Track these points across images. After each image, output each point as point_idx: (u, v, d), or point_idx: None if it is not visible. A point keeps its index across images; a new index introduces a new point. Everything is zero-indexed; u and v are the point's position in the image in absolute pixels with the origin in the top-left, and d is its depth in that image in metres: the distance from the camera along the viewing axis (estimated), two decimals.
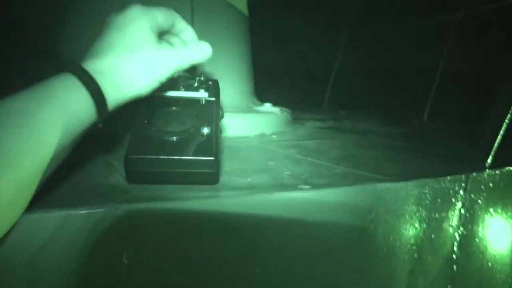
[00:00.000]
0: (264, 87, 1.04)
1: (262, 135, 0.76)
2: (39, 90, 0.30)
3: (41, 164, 0.28)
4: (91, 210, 0.30)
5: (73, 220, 0.29)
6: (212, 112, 0.44)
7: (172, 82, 0.44)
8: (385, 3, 1.51)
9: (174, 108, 0.43)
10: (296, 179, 0.42)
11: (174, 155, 0.37)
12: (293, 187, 0.39)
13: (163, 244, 0.33)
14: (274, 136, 0.77)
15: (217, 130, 0.41)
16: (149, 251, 0.32)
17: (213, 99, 0.46)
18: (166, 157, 0.37)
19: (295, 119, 1.00)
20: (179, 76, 0.45)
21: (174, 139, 0.39)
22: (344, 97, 1.69)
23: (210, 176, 0.39)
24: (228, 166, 0.48)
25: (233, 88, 0.82)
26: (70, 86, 0.32)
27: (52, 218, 0.29)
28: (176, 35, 0.43)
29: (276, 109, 0.86)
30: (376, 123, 1.21)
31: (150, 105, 0.42)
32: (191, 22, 0.75)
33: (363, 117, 1.33)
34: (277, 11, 1.69)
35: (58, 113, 0.30)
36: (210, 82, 0.48)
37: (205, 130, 0.41)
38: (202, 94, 0.46)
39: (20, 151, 0.26)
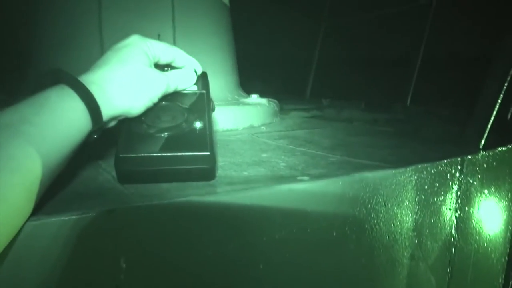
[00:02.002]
0: (246, 78, 1.02)
1: (251, 127, 0.75)
2: (35, 101, 0.31)
3: (43, 170, 0.28)
4: (82, 215, 0.28)
5: (65, 226, 0.28)
6: (203, 105, 0.43)
7: None
8: None
9: (163, 102, 0.41)
10: (292, 170, 0.41)
11: (168, 152, 0.36)
12: (292, 179, 0.38)
13: (161, 245, 0.31)
14: (263, 128, 0.76)
15: (210, 124, 0.40)
16: (147, 253, 0.30)
17: (204, 91, 0.45)
18: (159, 154, 0.35)
19: (280, 110, 0.99)
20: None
21: (166, 135, 0.38)
22: (326, 86, 1.69)
23: (206, 172, 0.37)
24: (221, 160, 0.46)
25: (218, 80, 0.80)
26: (65, 96, 0.33)
27: (47, 225, 0.27)
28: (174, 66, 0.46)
29: (263, 100, 0.84)
30: (359, 110, 1.22)
31: None
32: (172, 14, 0.73)
33: (345, 105, 1.34)
34: (257, 2, 1.67)
35: (54, 122, 0.30)
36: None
37: (198, 125, 0.39)
38: (191, 87, 0.45)
39: (24, 156, 0.27)
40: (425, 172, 0.45)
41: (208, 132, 0.38)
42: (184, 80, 0.44)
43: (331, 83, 1.67)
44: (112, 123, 0.39)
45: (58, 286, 0.28)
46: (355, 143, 0.60)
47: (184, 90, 0.44)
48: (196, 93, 0.44)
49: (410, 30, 1.38)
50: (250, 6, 1.58)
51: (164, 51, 0.42)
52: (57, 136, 0.30)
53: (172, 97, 0.42)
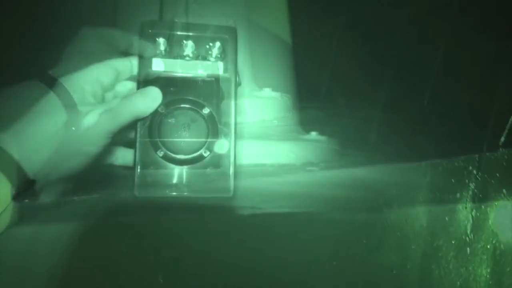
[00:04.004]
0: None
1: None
2: None
3: None
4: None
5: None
6: (229, 106, 0.37)
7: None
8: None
9: (182, 105, 0.37)
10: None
11: (188, 193, 0.35)
12: (301, 168, 0.37)
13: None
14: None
15: (234, 145, 0.37)
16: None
17: (228, 76, 0.38)
18: (179, 195, 0.35)
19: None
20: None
21: (186, 169, 0.36)
22: (342, 84, 1.67)
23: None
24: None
25: (277, 117, 0.81)
26: None
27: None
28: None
29: (322, 137, 0.84)
30: (377, 109, 1.19)
31: None
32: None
33: (362, 104, 1.31)
34: None
35: None
36: (224, 36, 0.38)
37: (221, 149, 0.37)
38: (214, 66, 0.38)
39: None
40: (440, 168, 0.43)
41: (231, 165, 0.36)
42: (141, 103, 0.35)
43: (348, 81, 1.64)
44: (49, 192, 0.32)
45: None
46: (369, 140, 0.59)
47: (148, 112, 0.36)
48: (220, 80, 0.38)
49: (429, 29, 1.35)
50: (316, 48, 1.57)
51: (99, 71, 0.35)
52: None
53: (191, 90, 0.37)
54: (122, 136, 0.39)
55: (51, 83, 0.32)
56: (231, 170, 0.37)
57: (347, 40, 1.72)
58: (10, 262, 0.27)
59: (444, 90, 1.25)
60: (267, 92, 0.84)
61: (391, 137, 0.64)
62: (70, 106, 0.32)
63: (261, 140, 0.71)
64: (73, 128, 0.31)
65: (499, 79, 0.56)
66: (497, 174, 0.49)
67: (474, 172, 0.47)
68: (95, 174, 0.37)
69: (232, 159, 0.37)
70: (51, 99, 0.32)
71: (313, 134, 0.85)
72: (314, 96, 1.67)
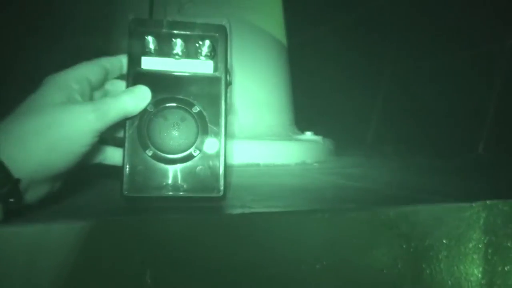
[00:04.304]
0: (307, 121, 1.02)
1: (304, 163, 0.75)
2: None
3: None
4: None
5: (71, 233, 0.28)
6: (219, 103, 0.37)
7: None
8: (426, 37, 1.46)
9: (172, 104, 0.37)
10: (338, 200, 0.40)
11: (177, 192, 0.35)
12: (336, 206, 0.36)
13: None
14: (316, 164, 0.75)
15: (224, 144, 0.37)
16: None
17: (219, 76, 0.38)
18: (168, 195, 0.35)
19: (338, 154, 0.99)
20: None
21: (175, 168, 0.36)
22: (389, 132, 1.65)
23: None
24: (266, 190, 0.46)
25: (272, 116, 0.82)
26: None
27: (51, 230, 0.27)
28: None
29: (317, 138, 0.84)
30: (427, 158, 1.16)
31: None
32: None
33: (411, 153, 1.28)
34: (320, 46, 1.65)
35: None
36: (214, 34, 0.38)
37: (211, 149, 0.36)
38: (204, 65, 0.38)
39: None
40: (495, 210, 0.40)
41: (221, 164, 0.36)
42: (129, 102, 0.35)
43: (395, 129, 1.62)
44: (35, 192, 0.31)
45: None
46: (415, 181, 0.57)
47: (137, 110, 0.35)
48: (210, 79, 0.38)
49: (479, 76, 1.33)
50: (314, 50, 1.57)
51: (88, 69, 0.35)
52: None
53: (181, 89, 0.37)
54: (111, 135, 0.38)
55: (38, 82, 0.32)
56: (221, 169, 0.36)
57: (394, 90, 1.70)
58: None
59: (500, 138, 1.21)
60: (308, 135, 0.84)
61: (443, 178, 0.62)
62: (57, 104, 0.32)
63: (255, 140, 0.71)
64: (60, 127, 0.31)
65: None
66: None
67: None
68: (83, 174, 0.37)
69: (222, 158, 0.37)
70: (37, 98, 0.32)
71: (308, 134, 0.85)
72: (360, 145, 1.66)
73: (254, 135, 0.74)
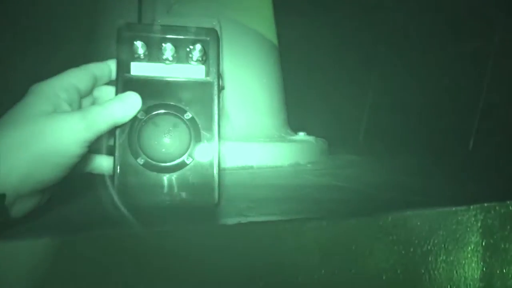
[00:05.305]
0: (298, 119, 1.01)
1: (297, 164, 0.74)
2: None
3: None
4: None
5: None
6: (211, 109, 0.36)
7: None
8: (415, 34, 1.47)
9: (162, 111, 0.35)
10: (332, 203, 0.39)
11: (170, 202, 0.34)
12: (334, 212, 0.36)
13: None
14: (309, 165, 0.75)
15: (218, 151, 0.36)
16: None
17: (210, 80, 0.37)
18: (160, 204, 0.34)
19: (332, 153, 0.99)
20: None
21: (168, 176, 0.35)
22: (380, 130, 1.65)
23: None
24: (257, 193, 0.45)
25: (264, 117, 0.81)
26: None
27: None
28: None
29: (310, 138, 0.83)
30: (418, 156, 1.16)
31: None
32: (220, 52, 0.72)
33: (402, 151, 1.29)
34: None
35: None
36: (205, 38, 0.37)
37: (204, 157, 0.35)
38: (195, 70, 0.37)
39: None
40: (493, 212, 0.40)
41: (215, 169, 0.35)
42: (119, 110, 0.33)
43: (384, 128, 1.63)
44: (22, 206, 0.30)
45: None
46: (408, 182, 0.57)
47: (127, 118, 0.34)
48: (202, 84, 0.36)
49: (467, 72, 1.33)
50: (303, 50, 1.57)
51: (75, 76, 0.34)
52: None
53: (172, 95, 0.36)
54: (102, 143, 0.37)
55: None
56: (216, 177, 0.35)
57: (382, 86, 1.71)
58: None
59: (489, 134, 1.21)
60: (301, 136, 0.84)
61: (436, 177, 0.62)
62: (43, 114, 0.30)
63: (248, 141, 0.70)
64: (46, 138, 0.29)
65: None
66: None
67: None
68: (72, 184, 0.35)
69: (216, 165, 0.36)
70: (22, 108, 0.31)
71: (301, 134, 0.84)
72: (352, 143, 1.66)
73: (246, 137, 0.73)
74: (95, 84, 0.36)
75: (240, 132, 0.74)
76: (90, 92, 0.36)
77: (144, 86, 0.35)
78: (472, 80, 1.35)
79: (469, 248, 0.39)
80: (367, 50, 1.74)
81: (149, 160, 0.34)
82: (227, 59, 0.73)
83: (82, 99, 0.36)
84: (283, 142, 0.76)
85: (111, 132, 0.34)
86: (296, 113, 1.03)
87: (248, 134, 0.74)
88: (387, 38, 1.68)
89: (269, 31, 0.87)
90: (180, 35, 0.36)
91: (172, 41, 0.36)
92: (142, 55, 0.36)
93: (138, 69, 0.36)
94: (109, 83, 0.37)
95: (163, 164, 0.35)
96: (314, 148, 0.83)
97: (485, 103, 1.31)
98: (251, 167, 0.68)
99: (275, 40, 0.90)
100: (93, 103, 0.37)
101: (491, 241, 0.40)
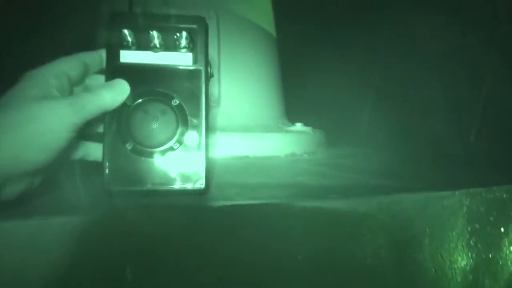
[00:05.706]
0: (299, 112, 1.01)
1: (293, 154, 0.74)
2: None
3: None
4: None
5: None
6: (199, 96, 0.37)
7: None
8: (417, 27, 1.45)
9: (150, 97, 0.36)
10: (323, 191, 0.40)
11: (159, 186, 0.35)
12: (320, 196, 0.36)
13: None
14: (305, 155, 0.75)
15: (206, 135, 0.37)
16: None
17: (200, 68, 0.37)
18: (149, 189, 0.35)
19: (332, 145, 0.99)
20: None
21: (157, 160, 0.36)
22: (383, 122, 1.64)
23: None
24: (253, 181, 0.46)
25: (261, 108, 0.82)
26: None
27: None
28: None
29: (307, 129, 0.83)
30: (419, 147, 1.17)
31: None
32: (218, 43, 0.73)
33: (405, 142, 1.29)
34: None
35: None
36: (192, 26, 0.38)
37: (193, 142, 0.36)
38: (183, 57, 0.37)
39: None
40: (478, 198, 0.41)
41: (202, 154, 0.36)
42: (107, 96, 0.34)
43: (387, 120, 1.62)
44: (13, 188, 0.31)
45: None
46: (402, 170, 0.58)
47: (116, 104, 0.35)
48: (190, 71, 0.37)
49: (471, 65, 1.32)
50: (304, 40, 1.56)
51: (67, 64, 0.35)
52: None
53: (160, 82, 0.37)
54: (93, 131, 0.38)
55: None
56: (203, 162, 0.36)
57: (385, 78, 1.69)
58: None
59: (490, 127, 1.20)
60: (298, 126, 0.84)
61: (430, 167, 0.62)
62: (33, 99, 0.31)
63: (244, 132, 0.71)
64: (35, 122, 0.30)
65: None
66: None
67: None
68: (63, 169, 0.36)
69: (203, 151, 0.36)
70: (14, 93, 0.32)
71: (298, 125, 0.85)
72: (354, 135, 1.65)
73: (243, 127, 0.74)
74: (86, 72, 0.37)
75: (236, 122, 0.74)
76: (81, 80, 0.37)
77: (133, 73, 0.36)
78: (474, 71, 1.34)
79: (454, 232, 0.40)
80: (370, 43, 1.73)
81: (137, 145, 0.35)
82: (224, 50, 0.73)
83: (74, 87, 0.37)
84: (280, 132, 0.77)
85: (101, 118, 0.35)
86: (297, 105, 1.03)
87: (244, 125, 0.75)
88: (390, 31, 1.67)
89: (268, 23, 0.87)
90: (167, 23, 0.37)
91: (159, 28, 0.36)
92: (130, 43, 0.36)
93: (127, 56, 0.37)
94: (102, 72, 0.38)
95: (150, 149, 0.36)
96: (311, 139, 0.83)
97: (487, 95, 1.30)
98: (247, 157, 0.69)
99: (273, 31, 0.90)
100: (85, 91, 0.38)
101: (477, 226, 0.41)
